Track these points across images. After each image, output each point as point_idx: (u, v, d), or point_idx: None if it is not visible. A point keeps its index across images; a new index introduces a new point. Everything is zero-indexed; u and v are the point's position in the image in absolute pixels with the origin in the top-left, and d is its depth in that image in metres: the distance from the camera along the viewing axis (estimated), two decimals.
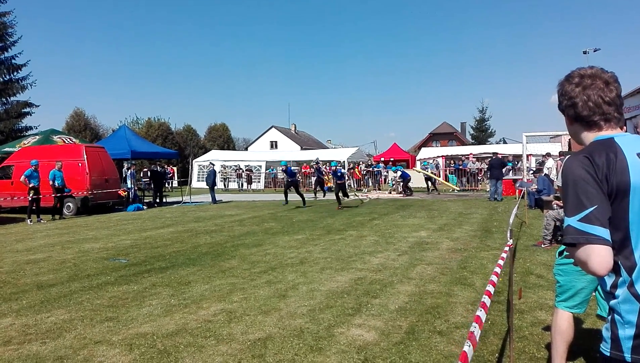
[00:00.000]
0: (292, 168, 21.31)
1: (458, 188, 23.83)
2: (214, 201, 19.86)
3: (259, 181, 31.91)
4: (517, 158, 23.37)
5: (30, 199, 14.13)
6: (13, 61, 30.91)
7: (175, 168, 36.67)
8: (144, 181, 22.81)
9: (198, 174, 32.70)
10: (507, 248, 3.58)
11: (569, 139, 20.01)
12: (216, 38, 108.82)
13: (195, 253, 8.28)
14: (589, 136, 1.60)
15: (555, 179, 11.93)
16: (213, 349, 3.88)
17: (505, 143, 41.86)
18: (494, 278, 2.91)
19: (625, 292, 1.45)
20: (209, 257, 7.83)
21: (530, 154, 22.76)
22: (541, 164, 19.06)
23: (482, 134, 56.48)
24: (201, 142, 51.90)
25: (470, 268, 6.58)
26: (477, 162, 26.35)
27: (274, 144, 56.15)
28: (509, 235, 3.72)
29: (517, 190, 16.52)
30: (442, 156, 31.13)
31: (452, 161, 29.38)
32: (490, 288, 2.67)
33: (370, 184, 29.11)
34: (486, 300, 2.43)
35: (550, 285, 5.27)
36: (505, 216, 12.40)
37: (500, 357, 3.62)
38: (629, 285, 1.44)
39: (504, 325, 4.22)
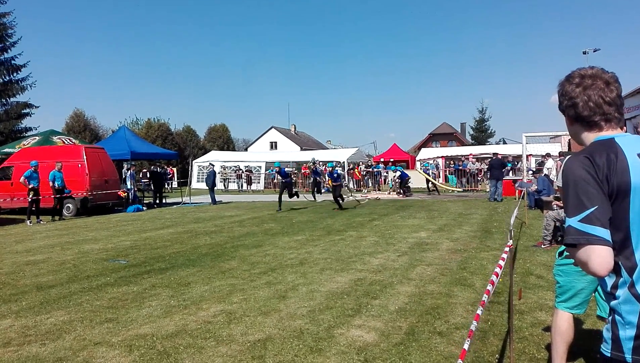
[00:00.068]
0: (286, 168, 21.12)
1: (459, 189, 23.71)
2: (214, 202, 19.86)
3: (258, 182, 31.91)
4: (517, 158, 23.37)
5: (29, 200, 14.12)
6: (13, 62, 30.90)
7: (175, 169, 36.68)
8: (144, 182, 22.81)
9: (198, 175, 32.70)
10: (507, 249, 3.57)
11: (569, 140, 20.01)
12: (216, 38, 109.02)
13: (195, 254, 8.28)
14: (590, 137, 1.60)
15: (555, 180, 11.93)
16: (213, 350, 3.88)
17: (505, 143, 41.87)
18: (494, 278, 2.90)
19: (626, 293, 1.44)
20: (209, 258, 7.82)
21: (530, 155, 22.79)
22: (541, 164, 19.08)
23: (482, 135, 56.50)
24: (201, 143, 51.91)
25: (470, 268, 6.58)
26: (477, 162, 26.37)
27: (273, 145, 56.15)
28: (509, 235, 3.72)
29: (517, 191, 16.52)
30: (442, 156, 31.16)
31: (452, 162, 29.40)
32: (490, 287, 2.66)
33: (370, 184, 29.11)
34: (485, 298, 2.43)
35: (550, 285, 5.27)
36: (505, 217, 12.41)
37: (500, 358, 3.62)
38: (630, 285, 1.44)
39: (504, 326, 4.22)
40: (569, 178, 1.48)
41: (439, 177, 29.50)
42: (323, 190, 22.58)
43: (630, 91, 13.88)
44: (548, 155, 18.71)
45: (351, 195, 20.89)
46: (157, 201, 20.30)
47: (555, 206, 7.80)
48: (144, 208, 18.30)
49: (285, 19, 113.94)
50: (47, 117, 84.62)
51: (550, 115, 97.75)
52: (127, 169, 20.97)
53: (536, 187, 12.64)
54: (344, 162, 30.93)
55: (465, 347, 1.78)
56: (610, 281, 1.49)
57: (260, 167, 32.23)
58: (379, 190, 26.39)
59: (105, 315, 4.90)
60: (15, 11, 36.92)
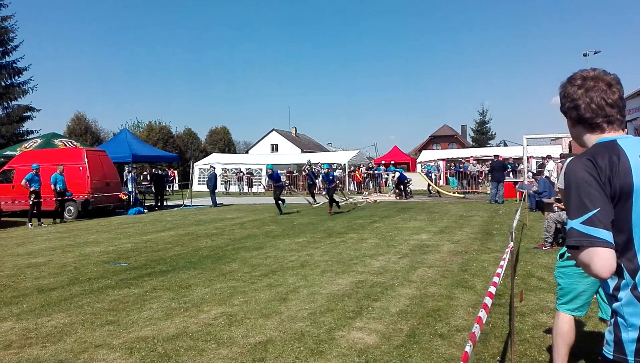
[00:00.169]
0: (279, 171, 20.85)
1: (460, 194, 23.36)
2: (215, 204, 19.87)
3: (259, 184, 31.93)
4: (518, 160, 23.35)
5: (31, 203, 14.15)
6: (14, 65, 30.99)
7: (176, 172, 36.72)
8: (145, 185, 22.84)
9: (199, 178, 32.74)
10: (508, 251, 3.57)
11: (570, 142, 20.01)
12: (216, 41, 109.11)
13: (196, 256, 8.28)
14: (592, 138, 1.59)
15: (555, 182, 11.91)
16: (214, 353, 3.87)
17: (505, 145, 41.91)
18: (496, 279, 2.90)
19: (629, 295, 1.44)
20: (210, 260, 7.82)
21: (530, 157, 22.76)
22: (541, 166, 19.06)
23: (482, 137, 56.47)
24: (202, 145, 52.01)
25: (471, 270, 6.57)
26: (477, 164, 26.36)
27: (274, 148, 56.19)
28: (510, 237, 3.71)
29: (518, 192, 16.50)
30: (442, 159, 31.15)
31: (452, 164, 29.40)
32: (492, 289, 2.66)
33: (371, 187, 29.11)
34: (487, 301, 2.42)
35: (552, 287, 5.26)
36: (506, 219, 12.39)
37: (501, 360, 3.61)
38: (632, 287, 1.44)
39: (505, 328, 4.21)
40: (571, 180, 1.47)
41: (440, 179, 29.53)
42: (317, 192, 22.28)
43: (631, 92, 13.88)
44: (549, 157, 18.70)
45: (345, 199, 20.36)
46: (158, 204, 20.32)
47: (556, 208, 7.79)
48: (145, 211, 18.31)
49: (286, 21, 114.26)
50: (48, 120, 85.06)
51: (551, 117, 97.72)
52: (129, 172, 21.00)
53: (536, 188, 12.63)
54: (344, 164, 30.96)
55: (467, 349, 1.78)
56: (612, 284, 1.48)
57: (261, 169, 32.22)
58: (380, 192, 26.37)
59: (106, 317, 4.90)
60: (16, 14, 36.99)
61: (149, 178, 23.24)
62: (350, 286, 5.86)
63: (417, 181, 24.45)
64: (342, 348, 3.90)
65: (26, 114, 31.97)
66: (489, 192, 19.98)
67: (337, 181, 18.67)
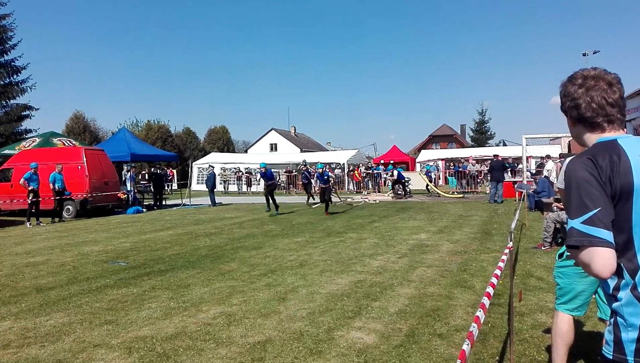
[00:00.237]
0: (273, 170, 20.33)
1: (459, 195, 23.29)
2: (214, 203, 19.86)
3: (258, 184, 31.88)
4: (517, 160, 23.37)
5: (29, 202, 14.12)
6: (13, 64, 30.92)
7: (174, 171, 36.69)
8: (144, 184, 22.83)
9: (198, 177, 32.72)
10: (507, 251, 3.57)
11: (569, 141, 20.03)
12: (215, 40, 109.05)
13: (194, 255, 8.27)
14: (592, 138, 1.59)
15: (554, 182, 11.92)
16: (212, 352, 3.87)
17: (505, 145, 41.93)
18: (494, 280, 2.90)
19: (629, 295, 1.44)
20: (209, 260, 7.81)
21: (530, 156, 22.77)
22: (540, 166, 19.07)
23: (481, 137, 56.51)
24: (201, 145, 51.98)
25: (470, 270, 6.57)
26: (476, 164, 26.37)
27: (273, 147, 56.19)
28: (509, 237, 3.71)
29: (517, 192, 16.51)
30: (442, 158, 31.15)
31: (452, 164, 29.41)
32: (490, 290, 2.66)
33: (370, 186, 29.11)
34: (485, 301, 2.42)
35: (551, 287, 5.26)
36: (505, 219, 12.40)
37: (500, 360, 3.61)
38: (632, 287, 1.43)
39: (504, 328, 4.21)
40: (571, 180, 1.47)
41: (439, 179, 29.53)
42: (313, 192, 22.02)
43: (630, 92, 13.89)
44: (548, 157, 18.72)
45: (340, 200, 20.01)
46: (157, 203, 20.31)
47: (555, 207, 7.79)
48: (144, 210, 18.30)
49: (285, 21, 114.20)
50: (47, 119, 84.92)
51: (550, 117, 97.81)
52: (127, 171, 20.98)
53: (535, 188, 12.63)
54: (343, 164, 30.95)
55: (465, 347, 1.77)
56: (612, 283, 1.48)
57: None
58: (379, 192, 26.37)
59: (104, 317, 4.89)
60: (15, 13, 37.00)
61: (147, 177, 23.23)
62: (349, 286, 5.86)
63: (417, 180, 24.44)
64: (341, 348, 3.90)
65: (25, 113, 31.91)
66: (488, 192, 19.98)
67: (332, 181, 18.44)
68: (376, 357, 3.70)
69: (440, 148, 53.09)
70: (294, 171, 30.97)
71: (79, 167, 16.33)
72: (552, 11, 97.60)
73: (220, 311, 4.94)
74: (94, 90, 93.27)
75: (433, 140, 61.38)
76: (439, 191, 23.03)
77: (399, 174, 22.33)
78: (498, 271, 3.14)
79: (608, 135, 1.56)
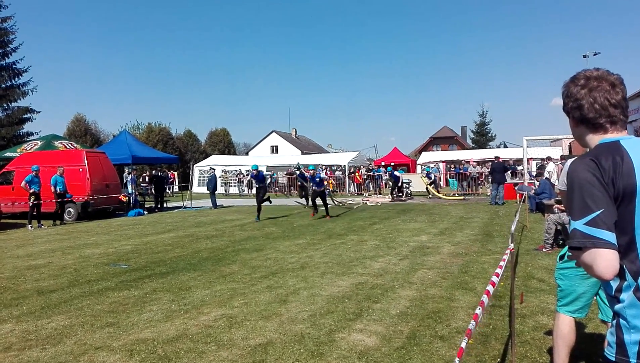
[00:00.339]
0: (264, 172, 19.98)
1: (460, 197, 23.16)
2: (215, 206, 19.86)
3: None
4: (518, 161, 23.36)
5: (31, 204, 14.14)
6: (14, 67, 31.03)
7: (175, 173, 36.73)
8: (145, 186, 22.86)
9: (199, 179, 32.73)
10: (508, 252, 3.57)
11: (570, 143, 20.02)
12: (216, 42, 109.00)
13: (195, 258, 8.27)
14: (594, 139, 1.58)
15: (555, 183, 11.91)
16: (214, 355, 3.87)
17: (505, 146, 41.97)
18: (495, 279, 2.90)
19: (631, 297, 1.43)
20: (210, 262, 7.82)
21: (530, 158, 22.75)
22: (541, 168, 19.06)
23: (482, 138, 56.55)
24: (202, 147, 52.03)
25: (471, 272, 6.57)
26: (477, 166, 26.37)
27: (274, 149, 56.20)
28: (510, 239, 3.71)
29: (518, 194, 16.49)
30: (442, 160, 31.15)
31: (452, 165, 29.41)
32: (490, 288, 2.66)
33: (371, 188, 29.11)
34: (485, 299, 2.42)
35: (552, 289, 5.25)
36: (506, 220, 12.39)
37: (502, 362, 3.60)
38: (635, 289, 1.43)
39: (505, 330, 4.21)
40: (574, 181, 1.46)
41: (440, 181, 29.51)
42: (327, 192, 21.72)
43: (630, 94, 13.89)
44: (549, 158, 18.71)
45: (335, 203, 19.50)
46: (158, 206, 20.32)
47: (556, 209, 7.79)
48: (145, 212, 18.31)
49: (286, 22, 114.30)
50: (48, 122, 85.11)
51: (551, 118, 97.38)
52: (128, 174, 21.02)
53: (535, 190, 12.61)
54: (344, 166, 30.96)
55: (463, 345, 1.77)
56: (614, 285, 1.47)
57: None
58: (380, 194, 26.37)
59: (106, 319, 4.90)
60: (16, 15, 37.04)
61: (148, 179, 23.27)
62: (351, 288, 5.86)
63: (418, 182, 24.42)
64: (342, 350, 3.90)
65: (26, 115, 32.03)
66: (489, 194, 19.96)
67: (326, 184, 18.17)
68: (377, 359, 3.70)
69: (441, 150, 53.11)
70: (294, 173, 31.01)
71: (80, 170, 16.34)
72: (552, 12, 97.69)
73: (222, 314, 4.94)
74: (95, 92, 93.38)
75: (434, 142, 61.39)
76: (439, 195, 22.99)
77: (392, 174, 22.15)
78: (499, 271, 3.14)
79: (611, 136, 1.55)
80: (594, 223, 1.38)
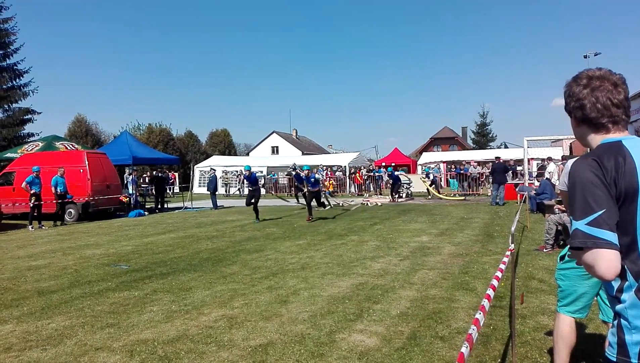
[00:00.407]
0: (257, 174, 19.79)
1: (461, 197, 23.05)
2: (215, 206, 19.87)
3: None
4: (518, 162, 23.33)
5: (31, 205, 14.15)
6: (15, 68, 31.09)
7: (176, 174, 36.75)
8: (145, 187, 22.86)
9: (199, 180, 32.75)
10: (508, 253, 3.56)
11: (571, 143, 19.99)
12: (216, 43, 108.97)
13: (196, 258, 8.27)
14: (596, 139, 1.58)
15: (556, 184, 11.90)
16: (214, 355, 3.87)
17: (506, 147, 41.91)
18: (495, 282, 2.90)
19: (632, 297, 1.43)
20: (210, 263, 7.82)
21: (531, 159, 22.73)
22: (541, 168, 19.06)
23: (483, 139, 56.57)
24: (202, 148, 52.07)
25: (472, 273, 6.56)
26: (478, 167, 26.36)
27: (275, 150, 56.21)
28: (510, 239, 3.71)
29: (519, 194, 16.48)
30: (443, 161, 31.13)
31: (453, 166, 29.40)
32: (490, 292, 2.66)
33: (372, 189, 29.11)
34: (485, 303, 2.42)
35: (553, 289, 5.24)
36: (507, 221, 12.38)
37: (502, 362, 3.60)
38: (636, 289, 1.43)
39: (506, 330, 4.20)
40: (576, 181, 1.46)
41: (441, 181, 29.49)
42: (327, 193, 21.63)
43: (631, 94, 13.87)
44: (549, 159, 18.70)
45: (330, 205, 19.03)
46: (159, 206, 20.33)
47: (557, 209, 7.78)
48: (146, 213, 18.32)
49: (286, 23, 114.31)
50: (49, 123, 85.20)
51: (552, 119, 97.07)
52: (129, 174, 21.03)
53: (535, 190, 12.61)
54: (345, 166, 30.97)
55: (463, 350, 1.77)
56: (615, 286, 1.47)
57: (261, 172, 32.27)
58: (381, 194, 26.36)
59: (106, 320, 4.90)
60: (17, 16, 37.06)
61: (149, 180, 23.28)
62: (351, 289, 5.85)
63: (418, 182, 24.40)
64: (342, 350, 3.89)
65: (27, 116, 32.09)
66: (489, 194, 19.94)
67: (322, 184, 17.98)
68: (378, 359, 3.70)
69: (442, 151, 53.08)
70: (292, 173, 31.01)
71: (81, 170, 16.37)
72: (553, 13, 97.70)
73: (222, 314, 4.94)
74: (95, 93, 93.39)
75: (434, 143, 61.40)
76: (440, 196, 22.97)
77: (391, 174, 22.10)
78: (499, 274, 3.14)
79: (613, 136, 1.55)
80: (595, 223, 1.37)
